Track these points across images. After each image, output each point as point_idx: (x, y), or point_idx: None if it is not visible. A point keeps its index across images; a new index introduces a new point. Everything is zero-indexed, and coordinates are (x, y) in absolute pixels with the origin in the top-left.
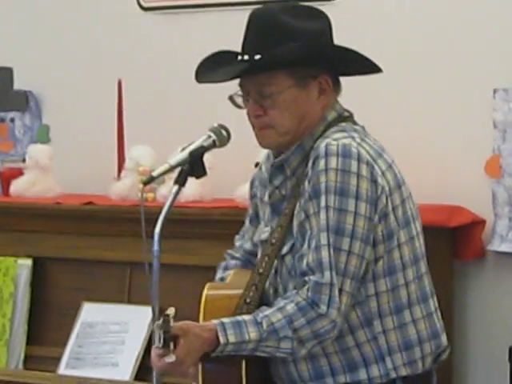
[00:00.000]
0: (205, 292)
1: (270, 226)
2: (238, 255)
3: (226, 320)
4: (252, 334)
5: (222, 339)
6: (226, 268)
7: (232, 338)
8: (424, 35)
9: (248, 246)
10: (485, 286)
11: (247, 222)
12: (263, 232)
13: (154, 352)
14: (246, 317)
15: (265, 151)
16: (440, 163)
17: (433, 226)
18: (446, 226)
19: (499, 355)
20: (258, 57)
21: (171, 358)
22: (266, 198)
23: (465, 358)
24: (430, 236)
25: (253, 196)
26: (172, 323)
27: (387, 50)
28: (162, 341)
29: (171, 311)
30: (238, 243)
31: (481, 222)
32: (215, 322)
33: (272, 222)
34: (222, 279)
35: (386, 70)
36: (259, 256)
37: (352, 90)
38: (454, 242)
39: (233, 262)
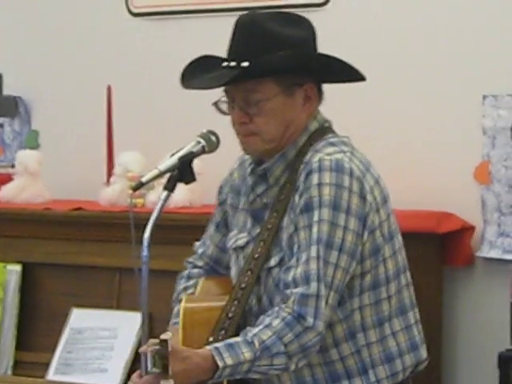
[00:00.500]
0: (182, 305)
1: (247, 233)
2: (200, 264)
3: (218, 344)
4: (246, 354)
5: (220, 363)
6: (189, 277)
7: (229, 361)
8: (413, 42)
9: (211, 250)
10: (474, 293)
11: (212, 228)
12: (239, 238)
13: (142, 378)
14: (237, 338)
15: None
16: (429, 169)
17: (422, 233)
18: (435, 232)
19: (488, 361)
20: (245, 64)
21: (170, 383)
22: (242, 204)
23: (454, 364)
24: (419, 242)
25: (221, 202)
26: (170, 348)
27: (377, 56)
28: (158, 366)
29: (168, 336)
30: (200, 250)
31: (470, 229)
32: (208, 347)
33: (252, 230)
34: (186, 288)
35: (376, 76)
36: (239, 268)
37: (341, 97)
38: (443, 248)
39: (195, 270)
